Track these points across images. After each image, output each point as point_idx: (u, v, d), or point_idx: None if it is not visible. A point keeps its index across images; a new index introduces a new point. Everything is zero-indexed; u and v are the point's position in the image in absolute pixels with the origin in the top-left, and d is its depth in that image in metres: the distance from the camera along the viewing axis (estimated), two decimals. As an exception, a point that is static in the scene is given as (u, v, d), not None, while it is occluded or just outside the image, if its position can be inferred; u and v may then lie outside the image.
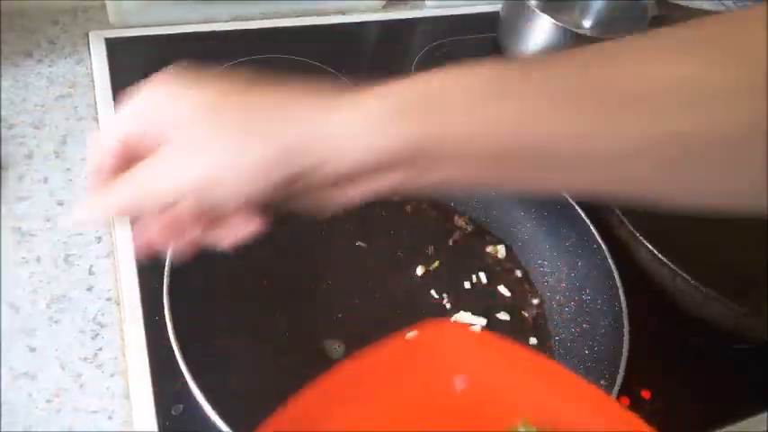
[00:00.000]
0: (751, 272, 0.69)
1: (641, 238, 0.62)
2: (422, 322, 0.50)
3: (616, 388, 0.55)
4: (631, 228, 0.63)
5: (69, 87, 0.80)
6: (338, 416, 0.44)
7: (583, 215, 0.66)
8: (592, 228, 0.65)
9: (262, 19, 0.95)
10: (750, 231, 0.65)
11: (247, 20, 0.94)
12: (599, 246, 0.64)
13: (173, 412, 0.56)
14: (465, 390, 0.47)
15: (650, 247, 0.61)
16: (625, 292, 0.60)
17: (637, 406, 0.64)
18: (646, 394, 0.65)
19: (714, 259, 0.67)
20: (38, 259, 0.64)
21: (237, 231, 0.41)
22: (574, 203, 0.67)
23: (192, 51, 0.88)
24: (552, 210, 0.70)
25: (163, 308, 0.60)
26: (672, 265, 0.60)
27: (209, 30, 0.91)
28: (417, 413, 0.46)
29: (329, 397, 0.45)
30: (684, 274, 0.59)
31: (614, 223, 0.65)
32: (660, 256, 0.60)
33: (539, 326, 0.67)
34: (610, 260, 0.62)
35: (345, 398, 0.46)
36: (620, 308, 0.59)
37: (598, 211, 0.67)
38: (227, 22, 0.93)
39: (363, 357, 0.47)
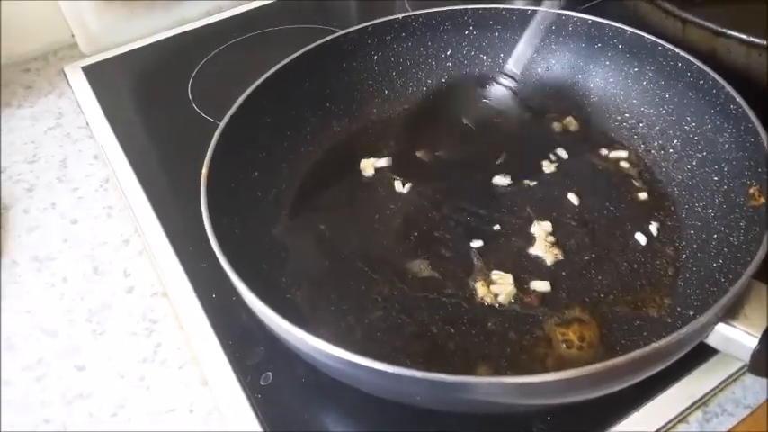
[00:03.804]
0: None
1: (725, 30, 0.52)
2: None
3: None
4: (712, 25, 0.53)
5: (56, 119, 0.73)
6: None
7: (652, 38, 0.56)
8: (668, 45, 0.55)
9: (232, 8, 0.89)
10: None
11: (218, 12, 0.88)
12: (684, 60, 0.54)
13: (261, 383, 0.45)
14: None
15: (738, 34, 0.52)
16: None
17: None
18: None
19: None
20: (64, 279, 0.55)
21: None
22: (640, 32, 0.57)
23: (170, 54, 0.81)
24: (615, 55, 0.60)
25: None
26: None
27: (182, 31, 0.84)
28: None
29: None
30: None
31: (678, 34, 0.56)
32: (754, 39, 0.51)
33: (646, 180, 0.56)
34: (706, 68, 0.52)
35: None
36: (742, 110, 0.49)
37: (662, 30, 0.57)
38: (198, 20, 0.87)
39: None
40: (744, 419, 0.43)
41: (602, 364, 0.34)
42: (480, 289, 0.48)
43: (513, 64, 0.60)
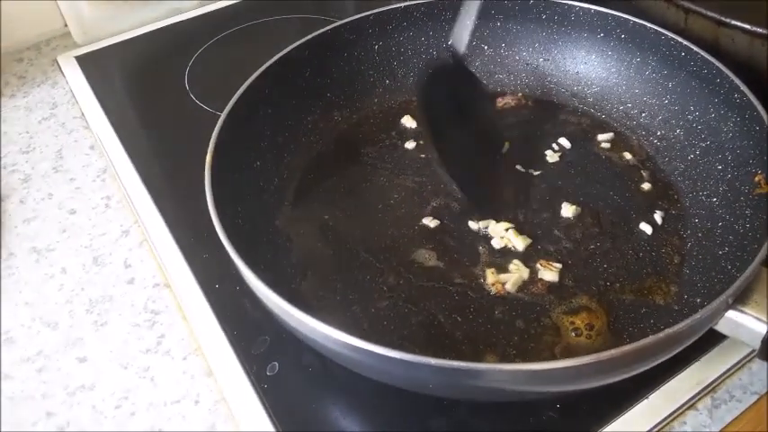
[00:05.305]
0: None
1: (728, 19, 0.52)
2: None
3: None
4: (715, 15, 0.53)
5: (50, 109, 0.72)
6: None
7: (655, 28, 0.56)
8: (671, 35, 0.55)
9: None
10: None
11: (214, 2, 0.87)
12: (687, 49, 0.54)
13: (268, 372, 0.45)
14: None
15: (741, 24, 0.52)
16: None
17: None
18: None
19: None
20: (63, 270, 0.55)
21: None
22: (643, 21, 0.57)
23: (166, 44, 0.80)
24: (618, 45, 0.60)
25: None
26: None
27: (177, 21, 0.83)
28: None
29: None
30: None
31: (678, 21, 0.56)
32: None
33: (650, 169, 0.56)
34: (709, 57, 0.52)
35: None
36: (746, 99, 0.49)
37: (665, 20, 0.57)
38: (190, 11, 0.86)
39: None
40: (751, 406, 0.43)
41: (618, 349, 0.34)
42: (490, 277, 0.48)
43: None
